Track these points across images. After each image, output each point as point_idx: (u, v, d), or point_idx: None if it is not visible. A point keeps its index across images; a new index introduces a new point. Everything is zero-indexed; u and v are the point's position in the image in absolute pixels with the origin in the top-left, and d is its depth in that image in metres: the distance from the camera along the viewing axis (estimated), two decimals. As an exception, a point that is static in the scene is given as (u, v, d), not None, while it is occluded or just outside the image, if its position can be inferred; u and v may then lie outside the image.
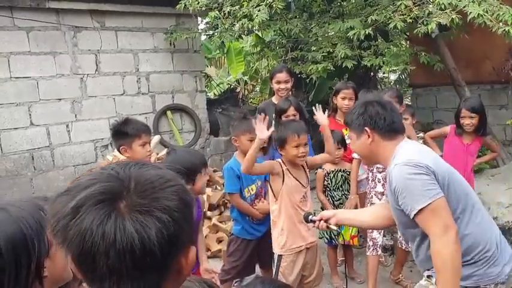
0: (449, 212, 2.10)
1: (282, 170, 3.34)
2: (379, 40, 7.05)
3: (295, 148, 3.29)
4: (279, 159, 3.42)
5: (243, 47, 12.16)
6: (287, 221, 3.37)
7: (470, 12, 4.56)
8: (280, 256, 3.40)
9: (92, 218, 0.82)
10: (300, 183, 3.41)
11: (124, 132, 3.31)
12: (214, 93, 12.60)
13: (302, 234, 3.41)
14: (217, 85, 12.70)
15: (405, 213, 2.17)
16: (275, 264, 3.43)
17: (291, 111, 4.11)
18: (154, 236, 0.83)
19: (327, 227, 2.65)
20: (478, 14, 4.50)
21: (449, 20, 4.62)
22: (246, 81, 12.52)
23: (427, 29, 4.75)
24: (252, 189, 3.78)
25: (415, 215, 2.11)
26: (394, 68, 8.75)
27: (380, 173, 4.13)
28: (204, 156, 3.08)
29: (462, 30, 5.92)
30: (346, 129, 4.52)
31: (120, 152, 3.43)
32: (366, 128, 2.35)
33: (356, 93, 4.50)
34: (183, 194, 0.91)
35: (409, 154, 2.22)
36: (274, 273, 3.43)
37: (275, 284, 1.10)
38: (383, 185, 4.12)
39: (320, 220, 2.67)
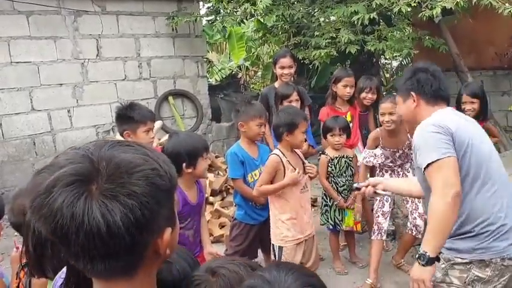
0: (456, 173, 2.16)
1: (283, 163, 3.32)
2: (381, 25, 7.00)
3: (303, 134, 3.30)
4: (276, 152, 3.39)
5: (244, 32, 12.05)
6: (289, 213, 3.36)
7: None
8: (281, 248, 3.40)
9: (63, 199, 0.85)
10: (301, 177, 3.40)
11: (130, 117, 3.27)
12: (216, 79, 12.54)
13: (303, 226, 3.41)
14: (219, 70, 12.64)
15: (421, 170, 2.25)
16: (276, 255, 3.43)
17: (294, 96, 4.09)
18: (119, 221, 0.85)
19: (375, 192, 2.73)
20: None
21: (454, 3, 4.57)
22: (247, 67, 12.45)
23: (432, 13, 4.70)
24: (255, 174, 3.76)
25: (424, 169, 2.19)
26: (396, 54, 8.68)
27: (387, 172, 4.17)
28: (205, 140, 3.07)
29: (467, 13, 5.86)
30: (345, 116, 4.55)
31: (122, 136, 3.41)
32: (412, 93, 2.43)
33: (356, 81, 4.49)
34: (154, 179, 0.91)
35: (436, 117, 2.32)
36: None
37: (290, 266, 1.09)
38: (389, 172, 4.14)
39: (367, 186, 2.74)
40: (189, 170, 2.81)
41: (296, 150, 3.48)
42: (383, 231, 4.12)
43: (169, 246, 0.97)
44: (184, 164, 2.79)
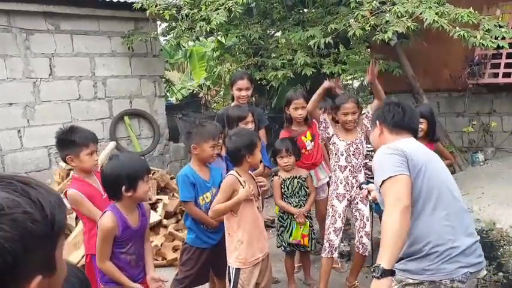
0: (407, 190, 2.28)
1: (240, 183, 3.27)
2: (341, 48, 7.09)
3: (260, 152, 3.35)
4: (233, 172, 3.34)
5: (205, 51, 12.08)
6: (246, 234, 3.30)
7: (426, 19, 4.63)
8: (238, 270, 3.32)
9: None
10: (254, 194, 3.36)
11: (71, 140, 3.19)
12: (177, 98, 12.46)
13: (259, 246, 3.36)
14: (179, 90, 12.56)
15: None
16: (232, 278, 3.34)
17: (249, 118, 4.11)
18: None
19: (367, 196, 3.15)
20: (434, 20, 4.57)
21: (405, 27, 4.67)
22: (209, 86, 12.42)
23: (385, 37, 4.79)
24: (207, 197, 3.69)
25: (380, 187, 2.34)
26: (356, 76, 8.82)
27: (342, 172, 4.12)
28: (146, 162, 3.00)
29: (420, 37, 6.00)
30: (306, 137, 4.55)
31: (65, 161, 3.31)
32: (377, 121, 2.69)
33: (307, 101, 4.46)
34: (24, 223, 0.87)
35: (396, 143, 2.50)
36: (232, 286, 3.34)
37: None
38: (344, 186, 4.11)
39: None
40: (129, 194, 2.72)
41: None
42: (334, 248, 4.08)
43: None
44: (123, 187, 2.70)
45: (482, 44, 4.88)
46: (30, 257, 0.88)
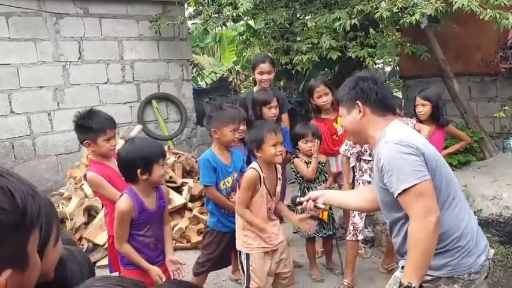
0: (434, 196, 2.08)
1: (260, 181, 3.25)
2: (371, 30, 6.94)
3: (273, 147, 3.20)
4: (254, 166, 3.31)
5: (235, 35, 12.02)
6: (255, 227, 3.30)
7: (456, 1, 4.47)
8: (248, 255, 3.33)
9: None
10: (269, 193, 3.32)
11: (88, 127, 3.19)
12: (206, 83, 12.49)
13: (269, 237, 3.33)
14: (209, 74, 12.59)
15: (389, 192, 2.16)
16: (244, 263, 3.35)
17: (274, 102, 4.05)
18: None
19: (315, 206, 2.66)
20: (463, 3, 4.41)
21: (434, 9, 4.52)
22: (238, 70, 12.39)
23: (412, 19, 4.65)
24: (228, 181, 3.68)
25: (399, 194, 2.09)
26: (386, 60, 8.64)
27: (367, 163, 4.09)
28: (162, 146, 2.99)
29: (450, 20, 5.82)
30: (337, 123, 4.49)
31: (83, 145, 3.34)
32: (358, 102, 2.30)
33: (329, 86, 4.44)
34: None
35: (400, 134, 2.20)
36: (245, 271, 3.35)
37: (185, 285, 1.03)
38: (370, 175, 4.06)
39: (308, 200, 2.68)
40: (144, 177, 2.74)
41: None
42: (358, 231, 4.09)
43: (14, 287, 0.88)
44: (138, 170, 2.72)
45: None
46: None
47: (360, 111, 2.31)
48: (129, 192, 2.79)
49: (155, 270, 2.83)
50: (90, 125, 3.16)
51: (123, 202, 2.75)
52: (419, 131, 3.50)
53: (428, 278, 2.18)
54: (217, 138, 3.61)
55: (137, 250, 2.83)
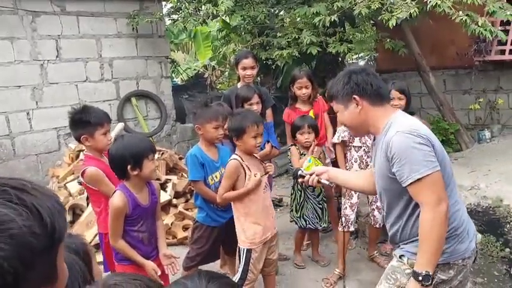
0: (443, 186, 2.15)
1: (243, 168, 3.31)
2: (346, 26, 7.05)
3: (253, 138, 3.27)
4: (235, 156, 3.37)
5: (210, 31, 12.01)
6: (253, 216, 3.35)
7: (430, 1, 4.60)
8: (249, 250, 3.39)
9: None
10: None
11: (86, 120, 3.20)
12: (182, 79, 12.45)
13: (268, 225, 3.41)
14: (184, 70, 12.54)
15: (396, 181, 2.19)
16: (243, 258, 3.41)
17: (255, 99, 4.08)
18: None
19: (318, 181, 2.66)
20: (436, 3, 4.55)
21: (408, 13, 4.64)
22: (214, 66, 12.39)
23: (389, 23, 4.78)
24: (216, 176, 3.73)
25: (411, 183, 2.13)
26: (362, 54, 8.79)
27: (357, 151, 4.19)
28: (151, 142, 3.04)
29: (426, 15, 5.97)
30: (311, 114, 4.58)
31: (79, 141, 3.34)
32: (355, 96, 2.30)
33: (311, 80, 4.52)
34: (22, 239, 0.79)
35: (411, 124, 2.23)
36: (242, 266, 3.41)
37: (212, 275, 1.07)
38: (359, 164, 4.18)
39: (312, 174, 2.68)
40: (135, 172, 2.78)
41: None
42: (350, 222, 4.21)
43: None
44: (129, 166, 2.76)
45: (481, 33, 4.87)
46: (31, 273, 0.81)
47: (357, 104, 2.31)
48: (122, 188, 2.82)
49: (150, 265, 2.88)
50: (88, 119, 3.18)
51: (117, 198, 2.78)
52: None
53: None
54: (201, 134, 3.67)
55: (132, 245, 2.87)
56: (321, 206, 4.38)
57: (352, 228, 4.31)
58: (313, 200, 4.36)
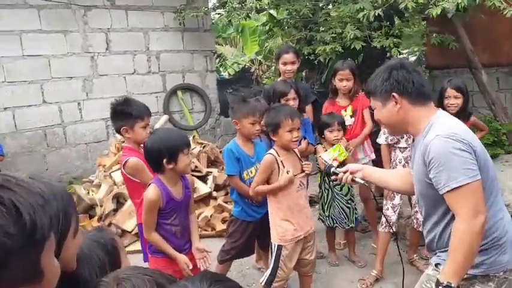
0: (482, 197, 2.01)
1: (278, 163, 3.30)
2: (396, 20, 6.86)
3: (289, 133, 3.24)
4: (271, 151, 3.36)
5: (257, 26, 12.01)
6: (286, 212, 3.35)
7: None
8: (280, 246, 3.39)
9: None
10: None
11: (127, 113, 3.26)
12: (229, 73, 12.54)
13: (300, 224, 3.39)
14: (231, 65, 12.63)
15: (433, 186, 2.07)
16: (274, 254, 3.42)
17: (291, 94, 4.04)
18: None
19: (352, 180, 2.53)
20: (486, -4, 4.35)
21: (455, 4, 4.45)
22: (260, 61, 12.40)
23: (433, 13, 4.59)
24: (251, 172, 3.75)
25: (447, 191, 2.00)
26: (409, 50, 8.53)
27: (402, 152, 4.08)
28: (186, 136, 3.04)
29: (479, 8, 5.72)
30: (346, 111, 4.48)
31: (120, 132, 3.41)
32: (394, 94, 2.16)
33: (354, 73, 4.39)
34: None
35: (451, 127, 2.08)
36: (273, 262, 3.42)
37: (215, 278, 1.08)
38: (404, 165, 4.03)
39: (345, 172, 2.56)
40: (170, 166, 2.80)
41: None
42: (391, 223, 4.07)
43: None
44: (164, 160, 2.78)
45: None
46: (7, 273, 0.79)
47: (396, 103, 2.17)
48: (156, 181, 2.85)
49: (183, 258, 2.89)
50: (130, 111, 3.24)
51: (151, 191, 2.82)
52: None
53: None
54: (238, 129, 3.68)
55: (165, 238, 2.89)
56: (349, 205, 4.29)
57: (392, 230, 4.20)
58: (340, 199, 4.28)
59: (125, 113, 3.28)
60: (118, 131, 3.42)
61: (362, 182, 2.55)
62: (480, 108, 7.24)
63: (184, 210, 3.00)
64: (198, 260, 3.00)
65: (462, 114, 4.07)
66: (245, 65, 12.62)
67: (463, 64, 6.79)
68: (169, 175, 2.86)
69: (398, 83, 2.16)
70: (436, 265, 2.25)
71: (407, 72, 2.18)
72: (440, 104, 4.13)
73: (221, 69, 12.47)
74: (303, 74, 8.69)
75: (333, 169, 2.66)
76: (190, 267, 2.90)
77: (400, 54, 10.77)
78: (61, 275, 0.98)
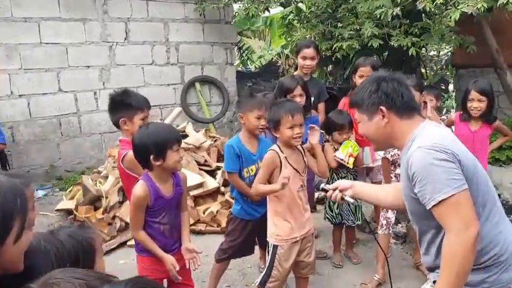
0: (472, 207, 1.89)
1: (280, 160, 3.21)
2: (424, 17, 6.64)
3: (290, 129, 3.14)
4: (274, 148, 3.28)
5: (282, 17, 11.87)
6: (283, 212, 3.27)
7: None
8: (275, 246, 3.31)
9: None
10: (298, 171, 3.27)
11: (127, 103, 3.19)
12: (255, 66, 12.47)
13: (298, 225, 3.30)
14: (258, 58, 12.55)
15: (420, 202, 1.97)
16: (270, 253, 3.34)
17: (297, 91, 3.94)
18: None
19: (342, 198, 2.43)
20: (508, 1, 4.12)
21: (475, 8, 4.24)
22: (287, 54, 12.27)
23: (451, 18, 4.42)
24: (251, 169, 3.66)
25: (434, 205, 1.89)
26: (434, 48, 8.27)
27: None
28: (177, 131, 2.95)
29: (501, 11, 5.47)
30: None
31: (117, 124, 3.36)
32: (382, 107, 2.08)
33: (377, 70, 4.25)
34: None
35: (434, 137, 1.97)
36: (268, 261, 3.34)
37: (141, 286, 1.02)
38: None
39: (335, 189, 2.46)
40: (158, 163, 2.71)
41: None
42: (391, 225, 4.01)
43: None
44: (151, 156, 2.70)
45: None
46: None
47: (383, 116, 2.09)
48: (145, 178, 2.78)
49: (169, 259, 2.81)
50: (129, 102, 3.17)
51: (138, 188, 2.74)
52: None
53: None
54: (243, 123, 3.60)
55: (152, 237, 2.82)
56: (355, 203, 4.17)
57: (391, 232, 4.07)
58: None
59: (125, 103, 3.21)
60: (116, 124, 3.36)
61: (351, 200, 2.47)
62: (506, 109, 7.01)
63: (175, 208, 2.92)
64: (187, 260, 2.92)
65: (486, 118, 3.91)
66: (272, 58, 12.51)
67: (489, 64, 6.56)
68: (157, 172, 2.78)
69: (387, 96, 2.08)
70: (434, 282, 2.11)
71: (398, 84, 2.10)
72: (464, 106, 3.97)
73: (248, 62, 12.40)
74: (328, 69, 8.55)
75: (322, 185, 2.58)
76: (177, 268, 2.83)
77: (426, 52, 10.48)
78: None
